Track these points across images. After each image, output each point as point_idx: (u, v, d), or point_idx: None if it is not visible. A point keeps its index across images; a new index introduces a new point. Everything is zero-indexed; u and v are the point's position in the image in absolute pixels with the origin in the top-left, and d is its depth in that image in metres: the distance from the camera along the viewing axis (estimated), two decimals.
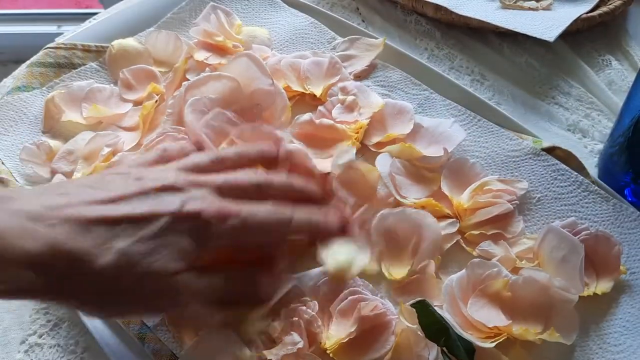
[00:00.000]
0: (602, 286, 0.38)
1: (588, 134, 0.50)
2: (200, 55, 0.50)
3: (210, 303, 0.32)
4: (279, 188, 0.34)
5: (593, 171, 0.46)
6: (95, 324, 0.38)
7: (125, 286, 0.29)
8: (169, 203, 0.30)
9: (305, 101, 0.49)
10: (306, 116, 0.46)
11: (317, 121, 0.46)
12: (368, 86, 0.49)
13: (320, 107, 0.47)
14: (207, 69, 0.49)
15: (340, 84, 0.48)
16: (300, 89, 0.49)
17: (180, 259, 0.30)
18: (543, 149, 0.44)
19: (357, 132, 0.45)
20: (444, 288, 0.37)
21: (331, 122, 0.46)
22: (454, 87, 0.49)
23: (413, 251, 0.40)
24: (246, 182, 0.33)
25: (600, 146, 0.49)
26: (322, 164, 0.43)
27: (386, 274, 0.39)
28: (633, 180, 0.43)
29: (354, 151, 0.42)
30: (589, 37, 0.57)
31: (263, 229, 0.32)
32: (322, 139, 0.45)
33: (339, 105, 0.47)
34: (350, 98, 0.47)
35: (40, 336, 0.41)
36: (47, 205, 0.28)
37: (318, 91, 0.48)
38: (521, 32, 0.54)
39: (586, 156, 0.48)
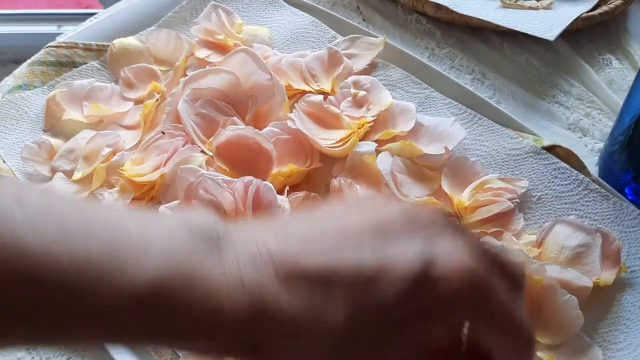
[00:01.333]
0: (604, 278, 0.38)
1: (588, 133, 0.51)
2: (202, 53, 0.51)
3: None
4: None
5: (593, 170, 0.46)
6: None
7: None
8: (409, 254, 0.21)
9: None
10: (318, 97, 0.47)
11: (325, 105, 0.46)
12: None
13: (330, 97, 0.47)
14: (207, 66, 0.49)
15: (353, 78, 0.48)
16: (303, 87, 0.49)
17: (410, 343, 0.22)
18: (544, 148, 0.44)
19: (360, 128, 0.45)
20: None
21: (338, 111, 0.46)
22: (455, 86, 0.49)
23: None
24: (514, 266, 0.24)
25: (601, 145, 0.49)
26: (319, 141, 0.44)
27: None
28: (633, 179, 0.43)
29: (374, 145, 0.43)
30: (589, 36, 0.57)
31: (511, 332, 0.23)
32: (324, 123, 0.46)
33: (349, 98, 0.47)
34: (361, 93, 0.47)
35: None
36: (253, 250, 0.22)
37: (328, 86, 0.48)
38: (522, 31, 0.54)
39: (586, 155, 0.48)
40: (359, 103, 0.47)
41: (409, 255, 0.21)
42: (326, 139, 0.44)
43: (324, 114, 0.46)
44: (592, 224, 0.40)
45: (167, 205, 0.40)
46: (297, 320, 0.21)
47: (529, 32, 0.53)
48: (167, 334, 0.21)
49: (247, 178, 0.41)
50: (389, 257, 0.21)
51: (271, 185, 0.41)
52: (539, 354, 0.35)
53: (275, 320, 0.21)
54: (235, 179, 0.41)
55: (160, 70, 0.51)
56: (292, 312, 0.21)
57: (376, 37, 0.52)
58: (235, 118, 0.45)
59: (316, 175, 0.44)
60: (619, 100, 0.51)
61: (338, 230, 0.22)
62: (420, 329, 0.22)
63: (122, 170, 0.43)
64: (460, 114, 0.48)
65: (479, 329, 0.23)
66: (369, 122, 0.45)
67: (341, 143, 0.44)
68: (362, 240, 0.22)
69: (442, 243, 0.22)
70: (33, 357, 0.40)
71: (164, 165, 0.43)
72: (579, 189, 0.43)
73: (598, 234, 0.39)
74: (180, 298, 0.20)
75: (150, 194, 0.43)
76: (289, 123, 0.45)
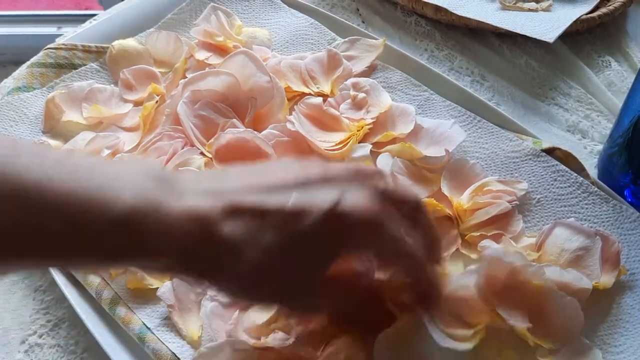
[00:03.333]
0: (604, 281, 0.38)
1: (588, 135, 0.51)
2: (201, 55, 0.51)
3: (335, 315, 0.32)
4: (427, 229, 0.32)
5: (593, 172, 0.46)
6: (95, 324, 0.38)
7: (264, 282, 0.29)
8: (325, 196, 0.28)
9: None
10: (317, 100, 0.47)
11: (324, 107, 0.46)
12: None
13: (330, 99, 0.47)
14: (207, 68, 0.49)
15: (352, 80, 0.48)
16: (302, 89, 0.49)
17: (325, 262, 0.29)
18: (543, 150, 0.44)
19: (359, 130, 0.45)
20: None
21: (338, 113, 0.46)
22: (454, 88, 0.49)
23: None
24: (408, 196, 0.31)
25: (600, 147, 0.49)
26: (319, 143, 0.44)
27: None
28: (632, 181, 0.43)
29: (369, 147, 0.44)
30: (589, 38, 0.57)
31: (400, 260, 0.31)
32: (323, 125, 0.46)
33: (349, 100, 0.47)
34: (361, 95, 0.47)
35: (40, 336, 0.40)
36: (205, 188, 0.28)
37: (327, 88, 0.48)
38: (521, 33, 0.54)
39: (586, 157, 0.49)
40: (358, 105, 0.47)
41: (324, 197, 0.28)
42: (325, 141, 0.44)
43: (324, 116, 0.46)
44: (591, 227, 0.40)
45: None
46: (237, 242, 0.27)
47: (528, 34, 0.53)
48: (136, 252, 0.27)
49: None
50: (307, 200, 0.28)
51: None
52: (540, 359, 0.35)
53: (215, 240, 0.27)
54: None
55: (160, 71, 0.51)
56: (233, 236, 0.27)
57: (376, 39, 0.52)
58: (234, 120, 0.45)
59: None
60: (618, 102, 0.51)
61: (268, 180, 0.29)
62: (331, 252, 0.29)
63: None
64: (459, 116, 0.48)
65: (380, 257, 0.31)
66: (368, 124, 0.45)
67: (340, 145, 0.44)
68: (287, 188, 0.29)
69: (349, 189, 0.29)
70: (32, 359, 0.40)
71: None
72: (579, 191, 0.43)
73: (598, 237, 0.39)
74: (149, 221, 0.26)
75: None
76: (288, 125, 0.45)
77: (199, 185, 0.29)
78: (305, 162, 0.32)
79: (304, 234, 0.28)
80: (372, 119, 0.46)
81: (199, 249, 0.27)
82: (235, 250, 0.27)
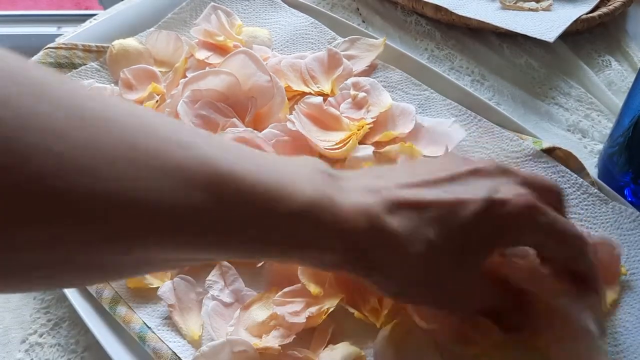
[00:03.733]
0: (610, 297, 0.37)
1: (588, 134, 0.51)
2: (201, 55, 0.51)
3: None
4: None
5: (593, 171, 0.46)
6: (95, 324, 0.38)
7: (426, 278, 0.29)
8: (479, 188, 0.29)
9: None
10: (317, 99, 0.47)
11: (324, 107, 0.46)
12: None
13: (330, 98, 0.47)
14: (207, 68, 0.49)
15: (353, 79, 0.48)
16: (303, 89, 0.49)
17: (485, 255, 0.30)
18: (543, 150, 0.44)
19: (359, 130, 0.45)
20: None
21: (338, 113, 0.46)
22: (454, 88, 0.49)
23: None
24: (552, 186, 0.32)
25: (600, 146, 0.49)
26: (319, 142, 0.44)
27: None
28: (633, 180, 0.43)
29: (372, 149, 0.44)
30: (589, 37, 0.57)
31: (566, 239, 0.30)
32: (323, 124, 0.46)
33: (349, 100, 0.47)
34: (361, 95, 0.47)
35: (40, 335, 0.41)
36: (365, 186, 0.29)
37: (327, 87, 0.48)
38: (521, 32, 0.54)
39: (586, 156, 0.49)
40: (358, 105, 0.47)
41: (478, 191, 0.29)
42: (326, 140, 0.44)
43: (324, 116, 0.46)
44: (591, 227, 0.40)
45: None
46: (400, 235, 0.28)
47: (529, 34, 0.53)
48: (308, 244, 0.27)
49: None
50: (464, 192, 0.29)
51: None
52: None
53: (384, 234, 0.28)
54: None
55: (160, 71, 0.51)
56: (396, 229, 0.28)
57: (376, 38, 0.52)
58: (235, 120, 0.45)
59: None
60: (619, 101, 0.51)
61: (420, 177, 0.30)
62: (492, 243, 0.29)
63: None
64: (460, 115, 0.48)
65: (542, 244, 0.30)
66: (368, 124, 0.45)
67: (340, 145, 0.44)
68: (441, 182, 0.30)
69: (500, 182, 0.30)
70: (32, 359, 0.40)
71: None
72: (579, 192, 0.42)
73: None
74: (327, 213, 0.27)
75: None
76: (289, 125, 0.45)
77: (359, 182, 0.30)
78: (449, 159, 0.33)
79: (463, 225, 0.28)
80: (372, 118, 0.46)
81: (370, 241, 0.28)
82: (403, 242, 0.28)
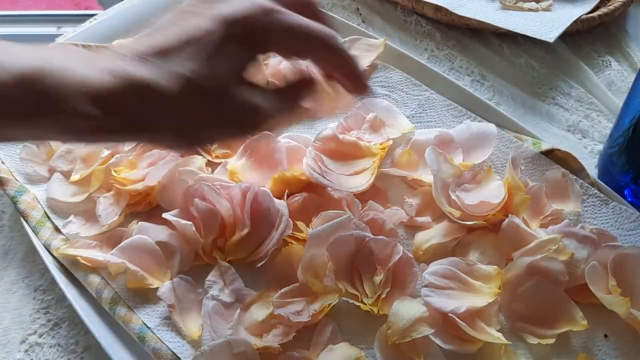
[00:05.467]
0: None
1: (588, 135, 0.51)
2: None
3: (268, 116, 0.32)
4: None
5: (593, 172, 0.46)
6: (95, 324, 0.38)
7: (194, 111, 0.29)
8: (215, 14, 0.29)
9: None
10: (329, 130, 0.45)
11: (340, 136, 0.45)
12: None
13: (341, 120, 0.46)
14: None
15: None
16: None
17: (239, 71, 0.30)
18: (542, 152, 0.44)
19: (383, 149, 0.44)
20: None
21: (354, 138, 0.45)
22: (454, 88, 0.49)
23: None
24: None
25: (600, 147, 0.49)
26: (347, 181, 0.42)
27: None
28: (632, 181, 0.43)
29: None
30: (589, 38, 0.57)
31: (311, 36, 0.31)
32: (344, 155, 0.44)
33: (365, 125, 0.46)
34: (371, 115, 0.46)
35: (40, 336, 0.40)
36: (113, 50, 0.29)
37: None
38: (521, 33, 0.54)
39: (586, 157, 0.49)
40: (373, 127, 0.46)
41: (215, 16, 0.29)
42: (348, 174, 0.43)
43: (341, 145, 0.44)
44: (591, 228, 0.40)
45: (167, 214, 0.40)
46: (151, 80, 0.28)
47: (529, 34, 0.53)
48: (49, 110, 0.27)
49: (245, 184, 0.41)
50: (200, 23, 0.29)
51: (269, 191, 0.41)
52: None
53: (135, 85, 0.28)
54: (233, 184, 0.41)
55: None
56: (146, 77, 0.28)
57: (376, 38, 0.52)
58: None
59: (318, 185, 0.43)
60: (619, 101, 0.51)
61: (158, 30, 0.30)
62: (246, 53, 0.30)
63: (115, 171, 0.43)
64: (459, 115, 0.47)
65: (293, 45, 0.32)
66: (388, 145, 0.45)
67: (364, 178, 0.43)
68: (174, 26, 0.30)
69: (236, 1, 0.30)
70: (32, 359, 0.40)
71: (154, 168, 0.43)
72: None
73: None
74: (54, 75, 0.27)
75: (147, 199, 0.43)
76: (306, 170, 0.42)
77: (109, 49, 0.30)
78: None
79: (210, 51, 0.29)
80: (391, 139, 0.45)
81: (125, 97, 0.28)
82: (158, 87, 0.28)
